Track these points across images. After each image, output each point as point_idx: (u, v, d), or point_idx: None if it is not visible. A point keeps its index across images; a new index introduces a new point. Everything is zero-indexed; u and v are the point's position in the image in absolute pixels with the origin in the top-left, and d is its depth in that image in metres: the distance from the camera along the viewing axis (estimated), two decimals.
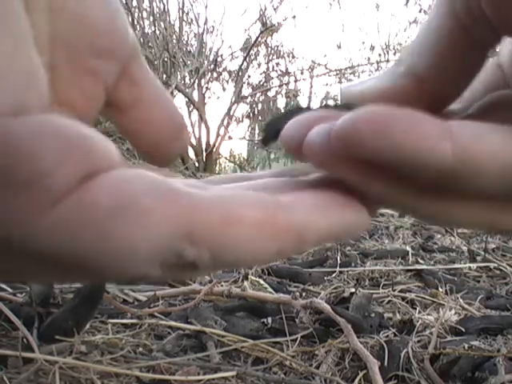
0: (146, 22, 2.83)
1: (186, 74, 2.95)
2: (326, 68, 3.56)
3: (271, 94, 3.82)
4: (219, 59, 3.20)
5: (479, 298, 0.67)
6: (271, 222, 0.15)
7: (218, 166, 4.04)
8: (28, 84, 0.19)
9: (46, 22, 0.20)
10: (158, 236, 0.13)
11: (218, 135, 3.13)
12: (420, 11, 3.68)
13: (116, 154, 0.16)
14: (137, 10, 2.77)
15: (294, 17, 3.22)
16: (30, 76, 0.20)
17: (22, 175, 0.13)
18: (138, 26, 2.73)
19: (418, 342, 0.49)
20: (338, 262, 0.86)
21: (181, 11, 2.99)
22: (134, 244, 0.14)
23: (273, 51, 3.53)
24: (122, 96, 0.23)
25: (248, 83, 3.44)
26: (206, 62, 3.05)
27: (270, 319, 0.50)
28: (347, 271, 0.81)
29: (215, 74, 3.26)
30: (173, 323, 0.47)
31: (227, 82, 3.31)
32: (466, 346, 0.46)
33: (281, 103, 4.07)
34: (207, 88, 3.18)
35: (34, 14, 0.20)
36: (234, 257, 0.17)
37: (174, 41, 2.88)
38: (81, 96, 0.22)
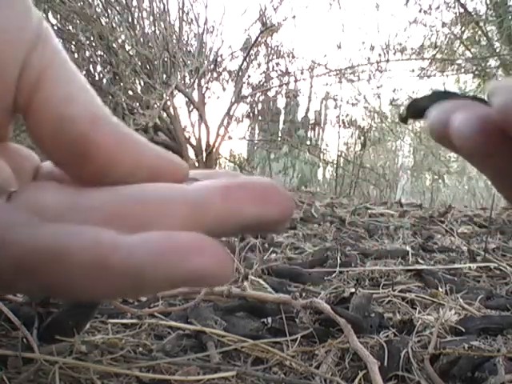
0: (146, 22, 2.82)
1: (186, 74, 2.94)
2: (326, 68, 3.56)
3: (271, 94, 3.82)
4: (219, 59, 3.20)
5: (479, 297, 0.67)
6: (102, 265, 0.15)
7: (218, 166, 4.04)
8: None
9: None
10: None
11: (217, 135, 3.13)
12: (420, 11, 3.68)
13: None
14: (137, 10, 2.77)
15: (294, 17, 3.21)
16: None
17: None
18: (137, 26, 2.73)
19: (418, 342, 0.49)
20: (338, 261, 0.86)
21: (181, 11, 2.99)
22: None
23: (273, 51, 3.53)
24: (24, 93, 0.21)
25: (248, 83, 3.44)
26: (205, 62, 3.05)
27: (269, 319, 0.50)
28: (347, 271, 0.81)
29: (215, 74, 3.26)
30: (173, 323, 0.47)
31: (227, 81, 3.30)
32: (466, 345, 0.46)
33: (281, 103, 4.07)
34: (207, 88, 3.17)
35: None
36: (66, 293, 0.17)
37: (174, 41, 2.88)
38: None
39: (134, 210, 0.18)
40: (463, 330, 0.52)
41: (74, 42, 2.66)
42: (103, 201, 0.19)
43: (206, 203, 0.18)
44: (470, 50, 3.72)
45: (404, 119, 0.19)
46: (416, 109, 0.18)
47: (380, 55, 3.86)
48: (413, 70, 3.74)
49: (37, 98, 0.20)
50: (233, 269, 0.17)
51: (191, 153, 3.49)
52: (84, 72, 2.59)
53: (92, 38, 2.56)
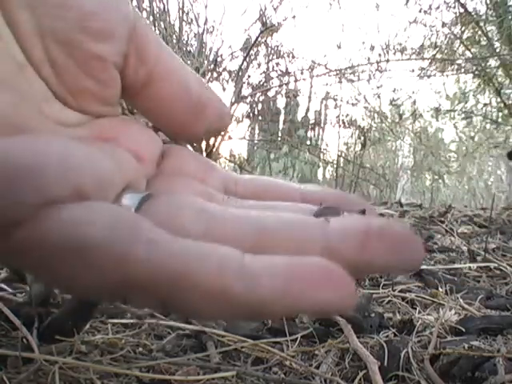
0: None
1: None
2: (326, 68, 3.56)
3: (271, 94, 3.82)
4: (219, 59, 3.19)
5: (479, 298, 0.67)
6: (226, 293, 0.15)
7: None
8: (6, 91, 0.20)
9: (29, 19, 0.20)
10: (99, 282, 0.14)
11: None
12: (420, 11, 3.68)
13: (99, 177, 0.17)
14: (136, 10, 2.76)
15: (294, 17, 3.21)
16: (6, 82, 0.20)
17: None
18: None
19: (418, 342, 0.49)
20: None
21: (181, 11, 2.99)
22: (76, 284, 0.15)
23: (273, 51, 3.52)
24: (133, 76, 0.22)
25: (248, 83, 3.44)
26: (205, 61, 3.05)
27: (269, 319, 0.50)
28: None
29: (215, 74, 3.26)
30: (173, 323, 0.47)
31: (227, 81, 3.30)
32: (466, 345, 0.46)
33: (281, 103, 4.06)
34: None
35: (12, 13, 0.19)
36: (185, 312, 0.17)
37: (174, 41, 2.87)
38: (95, 84, 0.21)
39: (270, 241, 0.18)
40: (463, 329, 0.52)
41: None
42: (237, 222, 0.18)
43: (343, 249, 0.18)
44: (470, 50, 3.72)
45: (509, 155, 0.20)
46: None
47: (380, 55, 3.86)
48: (413, 70, 3.74)
49: (157, 69, 0.22)
50: (356, 299, 0.17)
51: None
52: None
53: None
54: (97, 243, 0.14)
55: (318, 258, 0.17)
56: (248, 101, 3.59)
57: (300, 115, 4.16)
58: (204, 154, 3.40)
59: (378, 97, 4.10)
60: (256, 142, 4.17)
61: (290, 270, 0.15)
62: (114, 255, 0.15)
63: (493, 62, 3.61)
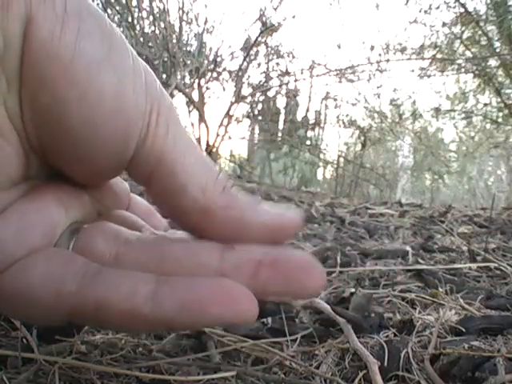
0: (146, 22, 2.82)
1: (186, 74, 2.94)
2: (326, 68, 3.56)
3: (271, 94, 3.82)
4: (219, 59, 3.19)
5: (479, 298, 0.67)
6: (136, 314, 0.19)
7: (218, 166, 4.03)
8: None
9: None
10: (44, 316, 0.20)
11: (217, 135, 3.12)
12: (420, 11, 3.68)
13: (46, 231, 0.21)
14: (137, 10, 2.76)
15: (294, 17, 3.21)
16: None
17: None
18: (137, 26, 2.73)
19: (418, 342, 0.49)
20: (338, 261, 0.86)
21: (181, 11, 2.99)
22: (27, 318, 0.21)
23: (273, 51, 3.52)
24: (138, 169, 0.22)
25: (248, 83, 3.44)
26: (205, 61, 3.05)
27: (269, 319, 0.50)
28: (347, 271, 0.81)
29: (215, 74, 3.26)
30: None
31: (227, 81, 3.30)
32: (466, 345, 0.46)
33: (281, 103, 4.06)
34: (207, 88, 3.17)
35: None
36: (113, 329, 0.26)
37: (174, 41, 2.87)
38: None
39: (171, 267, 0.21)
40: (463, 329, 0.52)
41: None
42: (145, 248, 0.22)
43: (237, 276, 0.20)
44: (470, 50, 3.72)
45: None
46: None
47: (380, 55, 3.86)
48: (413, 70, 3.74)
49: (156, 172, 0.22)
50: (256, 313, 0.19)
51: None
52: None
53: None
54: (35, 290, 0.19)
55: (220, 278, 0.20)
56: (248, 101, 3.59)
57: (300, 115, 4.16)
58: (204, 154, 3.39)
59: (378, 97, 4.10)
60: (256, 142, 4.17)
61: (187, 290, 0.19)
62: (51, 296, 0.19)
63: (493, 62, 3.61)
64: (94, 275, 0.20)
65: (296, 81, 3.72)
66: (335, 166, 4.39)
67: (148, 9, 2.81)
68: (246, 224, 0.22)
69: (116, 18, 2.63)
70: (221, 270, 0.21)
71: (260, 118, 3.84)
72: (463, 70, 3.86)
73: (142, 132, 0.21)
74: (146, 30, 2.80)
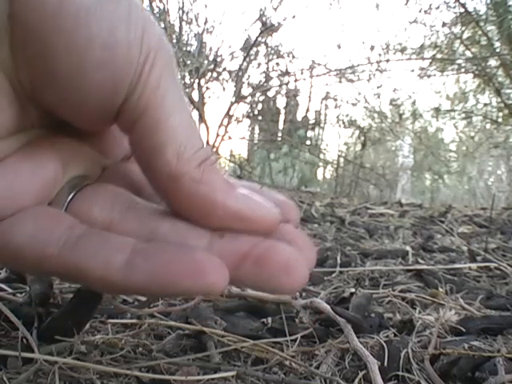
0: None
1: (186, 74, 2.94)
2: (326, 68, 3.56)
3: (271, 94, 3.82)
4: (219, 59, 3.19)
5: (479, 298, 0.67)
6: (108, 281, 0.20)
7: (218, 165, 4.02)
8: None
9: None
10: (31, 271, 0.24)
11: (217, 135, 3.12)
12: (420, 11, 3.68)
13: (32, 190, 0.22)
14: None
15: (294, 17, 3.21)
16: None
17: None
18: None
19: (418, 342, 0.49)
20: (338, 261, 0.86)
21: (181, 11, 2.99)
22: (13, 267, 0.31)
23: (273, 51, 3.52)
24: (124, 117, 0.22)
25: (248, 83, 3.44)
26: (205, 61, 3.05)
27: (269, 319, 0.50)
28: (347, 271, 0.81)
29: (215, 74, 3.26)
30: (173, 323, 0.47)
31: (227, 81, 3.30)
32: (466, 345, 0.46)
33: (281, 103, 4.07)
34: (207, 88, 3.17)
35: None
36: (93, 289, 0.28)
37: (174, 41, 2.88)
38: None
39: (159, 238, 0.22)
40: (463, 329, 0.52)
41: None
42: (131, 230, 0.22)
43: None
44: (470, 50, 3.72)
45: None
46: None
47: (380, 55, 3.86)
48: (413, 70, 3.74)
49: (138, 125, 0.21)
50: (224, 284, 0.20)
51: None
52: None
53: None
54: (20, 248, 0.20)
55: (196, 250, 0.20)
56: (248, 101, 3.59)
57: (300, 115, 4.16)
58: None
59: (378, 97, 4.10)
60: (256, 142, 4.17)
61: (159, 263, 0.20)
62: (35, 256, 0.20)
63: (493, 62, 3.61)
64: (77, 240, 0.20)
65: (296, 81, 3.72)
66: (335, 165, 4.40)
67: (148, 9, 2.81)
68: (213, 205, 0.21)
69: None
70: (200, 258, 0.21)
71: (260, 118, 3.84)
72: (463, 70, 3.86)
73: (133, 81, 0.20)
74: None
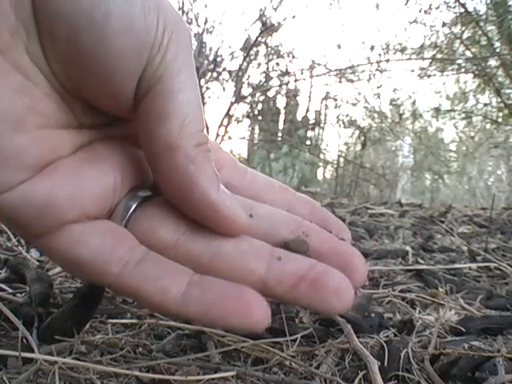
0: None
1: None
2: (326, 68, 3.56)
3: (271, 93, 3.82)
4: (219, 59, 3.19)
5: (479, 298, 0.67)
6: (164, 309, 0.22)
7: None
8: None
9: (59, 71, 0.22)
10: (88, 280, 0.28)
11: (217, 135, 3.12)
12: (420, 11, 3.68)
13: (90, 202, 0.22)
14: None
15: (294, 17, 3.21)
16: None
17: None
18: None
19: (418, 342, 0.49)
20: None
21: (181, 11, 2.99)
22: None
23: (273, 51, 3.52)
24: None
25: (248, 83, 3.44)
26: (205, 61, 3.05)
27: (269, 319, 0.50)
28: None
29: (215, 74, 3.26)
30: (173, 323, 0.47)
31: (227, 81, 3.30)
32: (466, 346, 0.46)
33: (281, 103, 4.06)
34: (207, 88, 3.17)
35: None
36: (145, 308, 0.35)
37: None
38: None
39: (221, 265, 0.23)
40: (463, 329, 0.52)
41: None
42: (195, 251, 0.23)
43: (277, 288, 0.22)
44: (470, 50, 3.72)
45: None
46: None
47: (380, 55, 3.86)
48: (413, 70, 3.74)
49: (151, 92, 0.22)
50: (267, 324, 0.22)
51: None
52: None
53: None
54: (85, 261, 0.21)
55: (245, 288, 0.22)
56: (248, 101, 3.59)
57: (300, 115, 4.16)
58: None
59: (378, 97, 4.09)
60: (256, 142, 4.17)
61: (213, 298, 0.21)
62: (96, 271, 0.21)
63: (493, 62, 3.61)
64: (138, 262, 0.22)
65: (296, 81, 3.72)
66: (335, 165, 4.39)
67: None
68: (194, 186, 0.22)
69: None
70: (265, 280, 0.23)
71: (260, 117, 3.83)
72: (463, 70, 3.86)
73: (153, 50, 0.22)
74: None
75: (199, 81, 3.03)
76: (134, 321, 0.48)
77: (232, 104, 3.19)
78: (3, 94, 0.20)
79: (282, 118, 4.05)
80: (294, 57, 3.54)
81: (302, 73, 3.59)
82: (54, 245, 0.21)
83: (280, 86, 3.73)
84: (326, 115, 4.23)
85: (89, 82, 0.22)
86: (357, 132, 4.36)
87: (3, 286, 0.53)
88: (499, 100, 3.80)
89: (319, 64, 3.54)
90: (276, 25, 3.20)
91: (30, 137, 0.21)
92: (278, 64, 3.57)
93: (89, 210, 0.22)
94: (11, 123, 0.20)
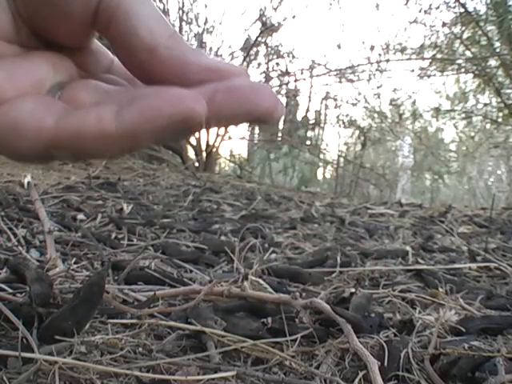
0: None
1: None
2: (326, 68, 3.56)
3: None
4: (219, 59, 3.20)
5: (479, 298, 0.67)
6: (103, 133, 0.22)
7: (218, 166, 4.03)
8: None
9: None
10: (28, 149, 0.23)
11: (217, 135, 3.13)
12: (420, 11, 3.68)
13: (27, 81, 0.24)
14: None
15: (294, 17, 3.21)
16: None
17: None
18: None
19: (418, 342, 0.49)
20: (338, 261, 0.86)
21: (181, 11, 2.99)
22: (14, 152, 0.24)
23: (273, 51, 3.53)
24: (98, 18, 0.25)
25: None
26: None
27: (269, 319, 0.50)
28: (347, 271, 0.81)
29: None
30: (173, 323, 0.47)
31: None
32: (466, 346, 0.46)
33: None
34: None
35: None
36: (88, 157, 0.26)
37: None
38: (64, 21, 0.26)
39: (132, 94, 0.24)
40: (463, 329, 0.52)
41: None
42: (123, 98, 0.24)
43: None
44: (470, 50, 3.72)
45: None
46: None
47: (380, 55, 3.86)
48: (413, 70, 3.74)
49: (114, 18, 0.24)
50: (204, 112, 0.22)
51: (191, 153, 3.48)
52: None
53: None
54: (20, 121, 0.23)
55: (171, 88, 0.22)
56: None
57: (300, 115, 4.16)
58: (204, 154, 3.40)
59: (378, 97, 4.10)
60: (256, 142, 4.17)
61: (143, 103, 0.22)
62: (33, 129, 0.23)
63: (493, 62, 3.61)
64: (70, 112, 0.23)
65: (296, 81, 3.72)
66: (335, 166, 4.40)
67: None
68: (187, 63, 0.25)
69: None
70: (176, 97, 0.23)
71: None
72: (463, 70, 3.86)
73: None
74: None
75: None
76: (133, 321, 0.48)
77: None
78: None
79: (281, 117, 4.05)
80: (293, 57, 3.54)
81: (301, 73, 3.60)
82: None
83: (280, 85, 3.73)
84: (326, 115, 4.23)
85: (42, 14, 0.25)
86: (357, 132, 4.36)
87: (3, 286, 0.53)
88: (499, 100, 3.80)
89: (319, 64, 3.54)
90: (276, 25, 3.20)
91: None
92: (277, 64, 3.57)
93: (26, 90, 0.24)
94: None
